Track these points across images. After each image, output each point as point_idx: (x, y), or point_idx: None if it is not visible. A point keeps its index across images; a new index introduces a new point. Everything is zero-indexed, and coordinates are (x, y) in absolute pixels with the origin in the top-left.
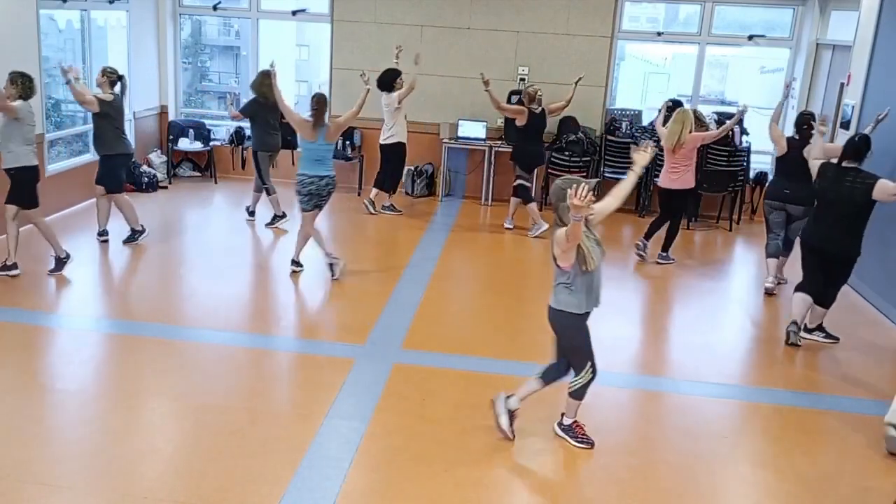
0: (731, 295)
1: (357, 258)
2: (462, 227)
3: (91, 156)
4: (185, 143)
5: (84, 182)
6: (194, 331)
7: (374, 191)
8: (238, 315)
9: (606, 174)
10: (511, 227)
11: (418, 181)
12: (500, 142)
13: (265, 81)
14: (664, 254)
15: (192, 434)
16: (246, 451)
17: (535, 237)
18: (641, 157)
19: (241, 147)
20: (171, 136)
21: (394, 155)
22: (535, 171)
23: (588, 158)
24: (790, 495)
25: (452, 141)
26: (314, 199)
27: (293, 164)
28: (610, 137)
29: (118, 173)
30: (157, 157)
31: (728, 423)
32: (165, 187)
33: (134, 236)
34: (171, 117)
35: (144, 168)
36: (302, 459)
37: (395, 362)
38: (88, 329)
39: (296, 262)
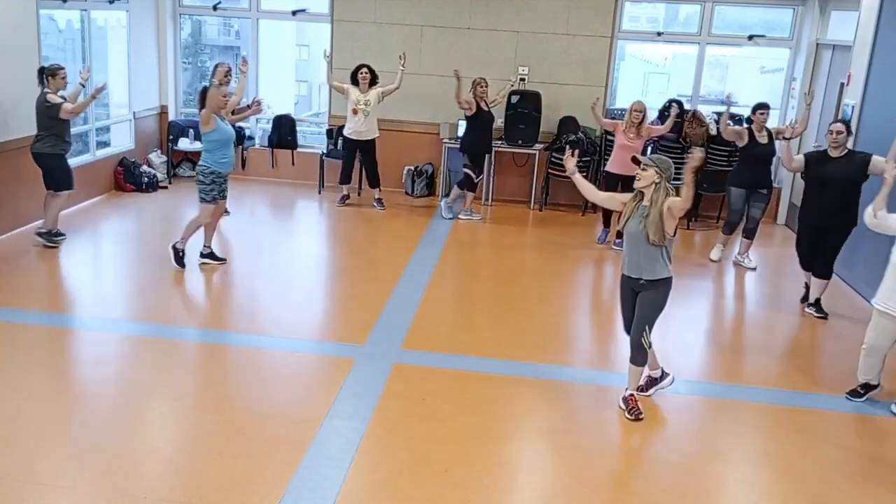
0: (731, 294)
1: (357, 258)
2: (462, 226)
3: (90, 156)
4: (185, 143)
5: (84, 182)
6: (194, 331)
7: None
8: (238, 315)
9: None
10: (452, 217)
11: (418, 181)
12: (500, 142)
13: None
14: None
15: (192, 434)
16: (246, 451)
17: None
18: (691, 160)
19: (241, 147)
20: (171, 136)
21: None
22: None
23: (588, 158)
24: (790, 495)
25: (452, 141)
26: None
27: (293, 163)
28: (610, 137)
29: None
30: (157, 157)
31: (728, 423)
32: (165, 187)
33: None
34: (171, 117)
35: (144, 168)
36: (302, 459)
37: (395, 362)
38: (88, 329)
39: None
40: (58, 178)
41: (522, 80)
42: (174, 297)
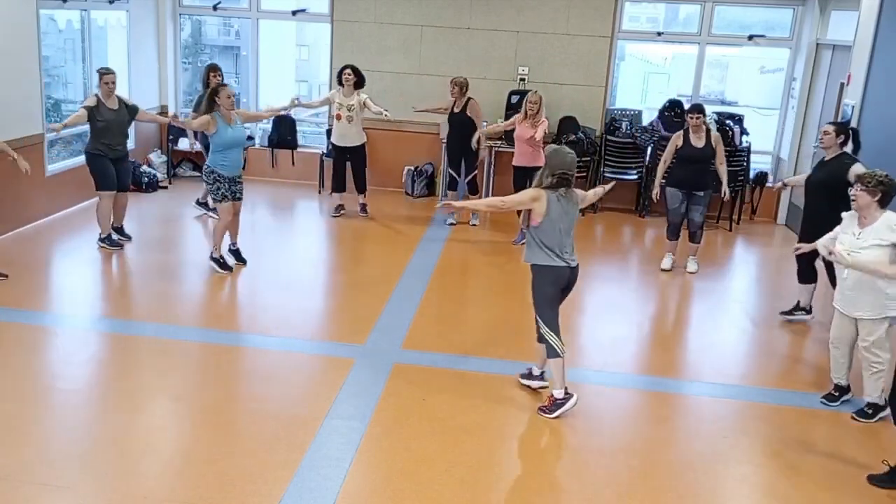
0: (731, 295)
1: (357, 258)
2: (462, 227)
3: None
4: (184, 144)
5: (84, 181)
6: (194, 331)
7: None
8: (238, 315)
9: (606, 174)
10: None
11: (418, 181)
12: (500, 142)
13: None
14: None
15: (192, 434)
16: (246, 451)
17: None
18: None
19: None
20: (170, 136)
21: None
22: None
23: (588, 158)
24: (790, 495)
25: None
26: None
27: (293, 163)
28: (610, 137)
29: None
30: (157, 157)
31: (728, 423)
32: (165, 187)
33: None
34: None
35: (145, 168)
36: (302, 459)
37: (395, 362)
38: (88, 329)
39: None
40: (94, 177)
41: (522, 80)
42: (174, 298)
